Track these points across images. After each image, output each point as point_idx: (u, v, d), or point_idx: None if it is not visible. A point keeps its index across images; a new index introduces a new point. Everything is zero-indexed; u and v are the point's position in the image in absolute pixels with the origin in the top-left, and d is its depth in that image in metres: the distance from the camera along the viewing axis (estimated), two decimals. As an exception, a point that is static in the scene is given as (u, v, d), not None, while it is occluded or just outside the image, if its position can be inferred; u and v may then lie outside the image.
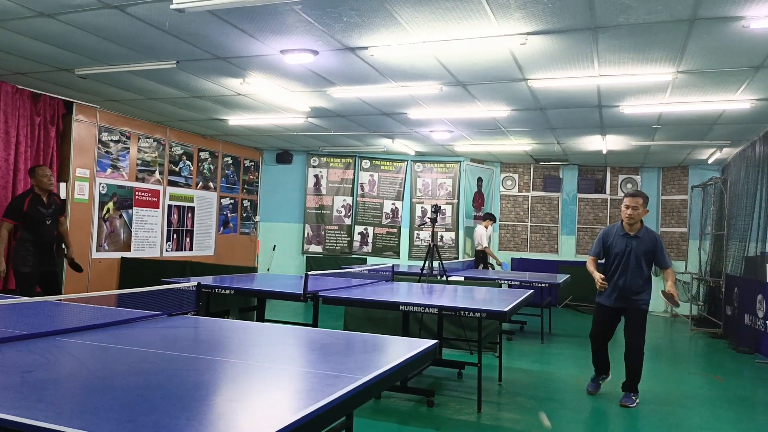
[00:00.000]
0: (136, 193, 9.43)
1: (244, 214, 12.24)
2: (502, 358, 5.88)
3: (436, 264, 7.16)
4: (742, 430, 4.61)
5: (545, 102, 7.21)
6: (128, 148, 9.26)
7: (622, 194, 12.48)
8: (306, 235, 12.58)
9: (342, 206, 12.54)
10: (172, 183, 10.19)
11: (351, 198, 12.52)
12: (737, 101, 6.70)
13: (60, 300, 3.88)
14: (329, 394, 1.81)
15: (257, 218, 12.62)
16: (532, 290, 5.61)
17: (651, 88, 6.38)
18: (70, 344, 2.46)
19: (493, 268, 10.80)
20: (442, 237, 12.25)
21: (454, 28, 4.84)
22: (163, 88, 7.33)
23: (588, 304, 11.26)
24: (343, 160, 12.55)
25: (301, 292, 4.66)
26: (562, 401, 5.15)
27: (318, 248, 12.54)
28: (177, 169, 10.31)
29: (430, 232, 8.18)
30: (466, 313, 4.28)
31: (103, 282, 8.65)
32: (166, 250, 10.08)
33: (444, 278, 7.00)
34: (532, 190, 12.95)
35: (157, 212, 9.87)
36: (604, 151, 10.42)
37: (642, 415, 4.75)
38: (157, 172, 9.85)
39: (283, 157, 12.59)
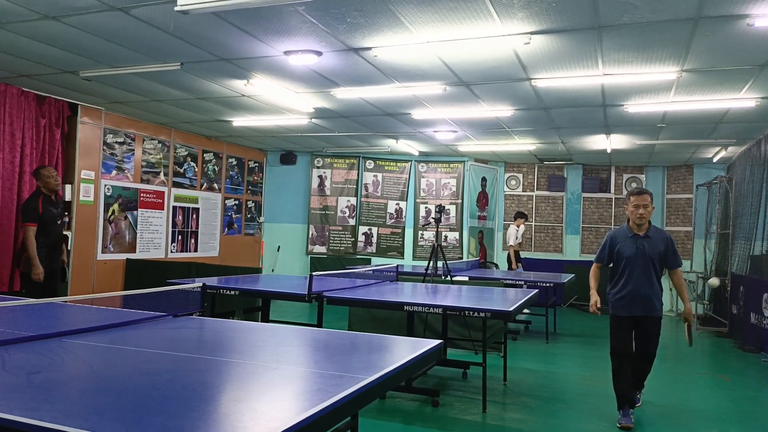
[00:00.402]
0: (141, 194, 9.46)
1: (249, 215, 12.26)
2: (507, 358, 5.88)
3: (440, 264, 7.16)
4: (749, 430, 4.60)
5: (549, 101, 7.19)
6: (133, 150, 9.28)
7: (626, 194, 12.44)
8: (310, 236, 12.59)
9: (346, 207, 12.55)
10: (176, 184, 10.22)
11: (355, 198, 12.53)
12: (742, 99, 6.68)
13: (66, 301, 3.90)
14: (334, 395, 1.81)
15: (261, 219, 12.63)
16: (536, 290, 5.60)
17: (655, 87, 6.37)
18: (76, 345, 2.47)
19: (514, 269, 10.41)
20: (446, 237, 12.24)
21: (457, 28, 4.83)
22: (167, 90, 7.35)
23: (586, 304, 11.21)
24: (347, 161, 12.56)
25: (306, 293, 4.66)
26: (567, 401, 5.14)
27: (322, 249, 12.55)
28: (181, 170, 10.34)
29: (435, 232, 8.18)
30: (471, 313, 4.28)
31: (108, 283, 8.67)
32: (171, 252, 10.10)
33: (448, 278, 7.00)
34: (537, 189, 12.93)
35: (162, 213, 9.90)
36: (609, 151, 10.39)
37: (648, 415, 4.74)
38: (161, 174, 9.88)
39: (287, 158, 12.61)
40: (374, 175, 12.53)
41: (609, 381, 5.11)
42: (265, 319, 6.02)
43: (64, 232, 6.60)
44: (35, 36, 5.42)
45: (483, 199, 12.74)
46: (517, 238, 10.45)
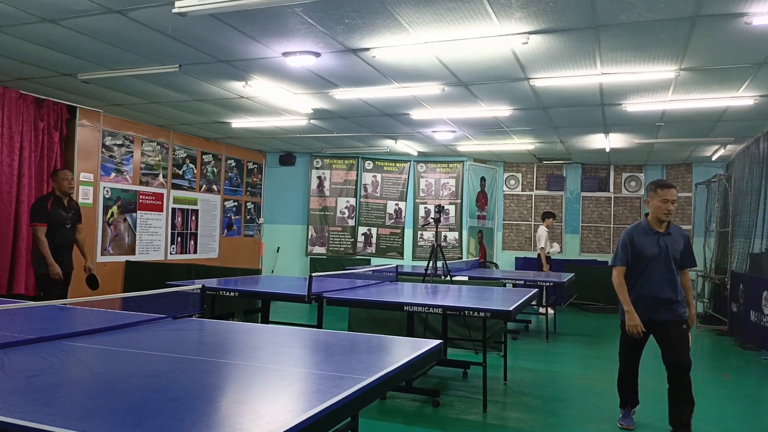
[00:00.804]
0: (140, 196, 9.45)
1: (248, 217, 12.26)
2: (507, 358, 5.88)
3: (440, 264, 7.16)
4: (749, 428, 4.60)
5: (548, 101, 7.20)
6: (132, 152, 9.28)
7: (626, 192, 12.46)
8: (310, 237, 12.59)
9: (345, 207, 12.55)
10: (175, 186, 10.22)
11: (354, 199, 12.53)
12: (740, 98, 6.68)
13: (65, 304, 3.89)
14: (334, 395, 1.81)
15: (261, 220, 12.63)
16: (536, 289, 5.60)
17: (654, 85, 6.37)
18: (76, 348, 2.47)
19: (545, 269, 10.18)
20: (445, 237, 12.25)
21: (455, 29, 4.84)
22: (166, 92, 7.35)
23: (591, 303, 11.24)
24: (346, 162, 12.56)
25: (306, 294, 4.66)
26: (568, 400, 5.14)
27: (322, 249, 12.55)
28: (180, 172, 10.34)
29: (434, 233, 8.18)
30: (471, 312, 4.27)
31: (107, 285, 8.66)
32: (171, 253, 10.10)
33: (448, 278, 6.99)
34: (536, 189, 12.93)
35: (161, 215, 9.90)
36: (608, 150, 10.39)
37: (648, 414, 4.74)
38: (160, 176, 9.87)
39: (286, 159, 12.61)
40: (373, 176, 12.53)
41: (609, 380, 5.12)
42: (265, 320, 6.02)
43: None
44: (33, 39, 5.42)
45: (482, 199, 12.74)
46: (548, 240, 9.99)
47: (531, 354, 7.08)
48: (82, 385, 1.99)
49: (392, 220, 12.48)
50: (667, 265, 4.13)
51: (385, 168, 12.53)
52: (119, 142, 9.05)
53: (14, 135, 7.34)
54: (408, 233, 12.44)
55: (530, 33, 4.87)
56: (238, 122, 9.15)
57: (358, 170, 12.53)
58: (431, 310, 4.37)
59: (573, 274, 9.04)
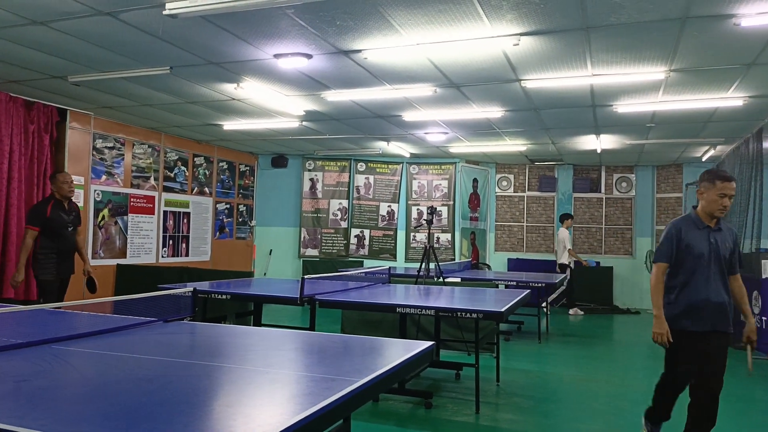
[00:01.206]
0: (131, 199, 9.41)
1: (240, 219, 12.22)
2: (500, 359, 5.88)
3: (432, 266, 7.17)
4: (740, 428, 4.62)
5: (539, 102, 7.22)
6: (123, 155, 9.24)
7: (618, 193, 12.51)
8: (302, 239, 12.57)
9: (338, 209, 12.54)
10: (167, 189, 10.17)
11: (347, 201, 12.52)
12: (730, 99, 6.73)
13: (55, 308, 3.87)
14: (327, 398, 1.81)
15: (253, 223, 12.60)
16: (528, 290, 5.62)
17: (644, 87, 6.41)
18: (66, 352, 2.45)
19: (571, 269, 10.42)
20: (438, 238, 12.26)
21: (447, 31, 4.84)
22: (157, 94, 7.32)
23: (583, 304, 11.27)
24: (339, 164, 12.55)
25: (298, 296, 4.65)
26: (560, 401, 5.15)
27: (314, 252, 12.53)
28: (172, 174, 10.29)
29: (427, 234, 8.18)
30: (463, 314, 4.28)
31: (98, 289, 8.60)
32: (162, 256, 10.05)
33: (441, 280, 7.00)
34: (528, 190, 12.97)
35: (153, 218, 9.85)
36: (599, 151, 10.44)
37: (641, 413, 4.75)
38: (152, 179, 9.83)
39: (279, 161, 12.58)
40: (366, 178, 12.53)
41: (602, 380, 5.14)
42: (257, 323, 6.00)
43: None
44: (23, 41, 5.39)
45: (475, 201, 12.77)
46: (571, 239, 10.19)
47: (523, 355, 7.09)
48: (72, 389, 1.97)
49: (385, 222, 12.49)
50: (717, 266, 3.62)
51: (377, 170, 12.53)
52: (110, 144, 9.00)
53: (4, 138, 7.28)
54: (401, 235, 12.44)
55: (521, 34, 4.88)
56: (230, 124, 9.13)
57: (350, 172, 12.52)
58: (424, 311, 4.37)
59: (566, 275, 9.07)
